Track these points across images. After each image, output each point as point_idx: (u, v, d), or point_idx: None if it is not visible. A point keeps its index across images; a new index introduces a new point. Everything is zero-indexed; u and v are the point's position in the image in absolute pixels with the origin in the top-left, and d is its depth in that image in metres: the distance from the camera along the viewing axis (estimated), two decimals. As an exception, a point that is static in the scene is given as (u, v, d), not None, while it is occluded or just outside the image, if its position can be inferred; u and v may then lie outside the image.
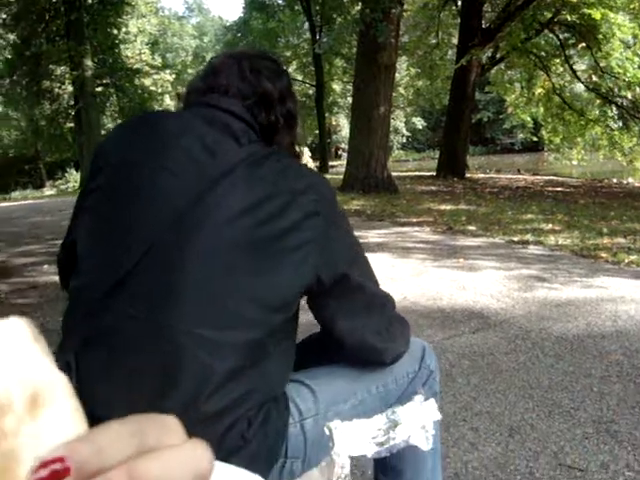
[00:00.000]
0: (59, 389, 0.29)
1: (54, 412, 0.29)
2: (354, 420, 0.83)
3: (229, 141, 1.24)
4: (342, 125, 38.54)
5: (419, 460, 1.54)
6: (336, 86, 31.56)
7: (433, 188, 13.80)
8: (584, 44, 16.42)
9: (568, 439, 2.39)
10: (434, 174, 16.91)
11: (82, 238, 1.27)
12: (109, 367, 1.11)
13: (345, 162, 14.97)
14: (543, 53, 18.13)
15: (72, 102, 23.01)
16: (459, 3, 16.89)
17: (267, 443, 1.18)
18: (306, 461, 1.25)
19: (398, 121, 42.42)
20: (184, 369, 1.08)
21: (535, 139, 26.60)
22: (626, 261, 5.31)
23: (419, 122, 45.72)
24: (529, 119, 21.73)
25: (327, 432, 0.80)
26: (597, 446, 2.32)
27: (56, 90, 23.76)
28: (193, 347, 1.09)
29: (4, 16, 20.59)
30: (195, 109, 1.33)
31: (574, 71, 17.86)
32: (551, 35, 17.89)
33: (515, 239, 6.75)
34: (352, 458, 0.84)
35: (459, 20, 17.57)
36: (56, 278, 1.40)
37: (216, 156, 1.20)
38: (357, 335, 1.31)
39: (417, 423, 0.87)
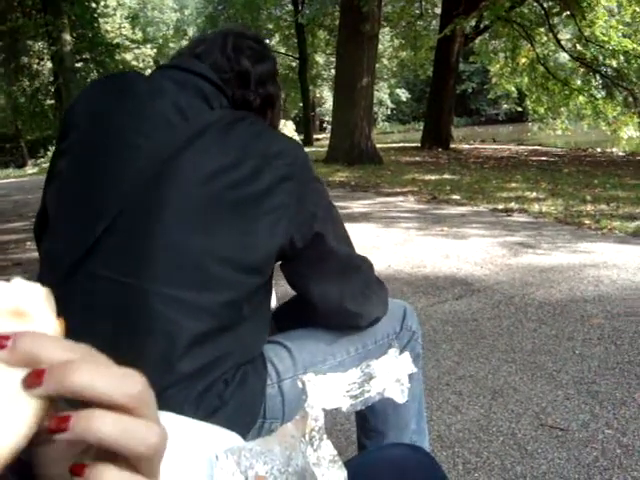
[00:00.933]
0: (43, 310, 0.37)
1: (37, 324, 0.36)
2: (328, 374, 0.83)
3: (201, 104, 1.22)
4: (326, 98, 38.29)
5: (402, 422, 1.55)
6: (319, 58, 31.32)
7: (418, 159, 13.79)
8: (568, 12, 16.33)
9: (550, 400, 2.41)
10: (419, 145, 16.89)
11: (52, 202, 1.25)
12: (82, 329, 1.10)
13: (329, 135, 14.89)
14: (527, 22, 18.02)
15: (52, 78, 22.68)
16: (442, -28, 16.71)
17: (245, 404, 1.18)
18: (284, 422, 1.25)
19: (382, 93, 42.21)
20: (155, 330, 1.07)
21: (519, 109, 26.58)
22: (609, 227, 5.34)
23: (403, 94, 45.51)
24: (513, 89, 21.68)
25: (300, 385, 0.79)
26: (578, 406, 2.34)
27: (35, 66, 23.39)
28: (164, 308, 1.07)
29: (-21, -10, 20.18)
30: (167, 71, 1.30)
31: (558, 40, 17.78)
32: (535, 4, 17.78)
33: (499, 207, 6.77)
34: (333, 418, 0.83)
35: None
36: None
37: (188, 119, 1.18)
38: (331, 300, 1.30)
39: (392, 376, 0.86)
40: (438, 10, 18.74)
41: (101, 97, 1.28)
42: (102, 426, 0.32)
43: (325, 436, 0.79)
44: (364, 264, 1.37)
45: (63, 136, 1.26)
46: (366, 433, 1.58)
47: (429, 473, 0.94)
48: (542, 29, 17.99)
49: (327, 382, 0.81)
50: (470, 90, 43.03)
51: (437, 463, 0.98)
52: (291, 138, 1.33)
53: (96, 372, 0.33)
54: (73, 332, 1.11)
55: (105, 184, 1.16)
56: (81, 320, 1.09)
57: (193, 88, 1.23)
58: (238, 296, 1.15)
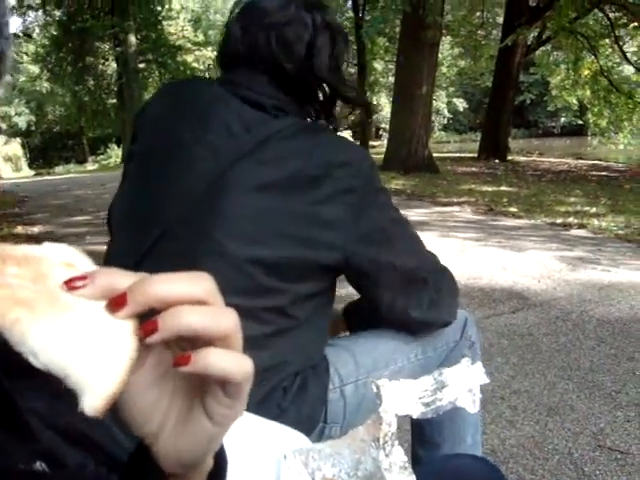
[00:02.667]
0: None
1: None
2: (401, 380, 0.83)
3: (263, 115, 1.22)
4: (383, 105, 38.17)
5: (457, 434, 1.54)
6: (378, 65, 31.20)
7: (474, 169, 13.63)
8: (635, 23, 15.93)
9: (608, 421, 2.36)
10: (475, 156, 16.67)
11: (117, 203, 1.29)
12: None
13: (386, 142, 14.83)
14: (592, 33, 17.65)
15: (115, 78, 23.26)
16: (506, -20, 16.48)
17: (304, 411, 1.19)
18: (344, 426, 1.26)
19: (440, 102, 41.87)
20: None
21: (579, 123, 26.01)
22: (673, 246, 5.19)
23: (461, 104, 45.04)
24: (574, 101, 21.23)
25: (374, 389, 0.80)
26: (639, 429, 2.28)
27: (100, 66, 24.05)
28: None
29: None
30: (230, 81, 1.29)
31: (624, 52, 17.36)
32: (601, 14, 17.39)
33: (557, 221, 6.64)
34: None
35: (505, -2, 17.18)
36: (98, 248, 1.42)
37: (250, 130, 1.19)
38: (396, 308, 1.30)
39: (464, 386, 0.87)
40: (500, 19, 18.48)
41: (166, 103, 1.32)
42: (188, 315, 0.37)
43: (397, 442, 0.80)
44: (432, 274, 1.35)
45: (133, 139, 1.30)
46: (421, 443, 1.58)
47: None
48: (607, 40, 17.59)
49: (401, 388, 0.82)
50: (528, 101, 42.31)
51: (504, 476, 0.98)
52: (357, 146, 1.34)
53: (167, 279, 0.37)
54: None
55: (163, 190, 1.20)
56: None
57: (254, 99, 1.24)
58: (287, 301, 1.16)
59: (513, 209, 7.57)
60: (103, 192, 9.99)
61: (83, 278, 0.36)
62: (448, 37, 23.71)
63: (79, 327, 0.35)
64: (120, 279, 0.37)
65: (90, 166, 29.21)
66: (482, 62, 21.85)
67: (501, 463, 2.10)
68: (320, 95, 1.33)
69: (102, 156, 32.37)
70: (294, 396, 1.17)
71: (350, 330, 1.51)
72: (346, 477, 0.85)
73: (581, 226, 6.32)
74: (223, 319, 0.38)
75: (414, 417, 0.84)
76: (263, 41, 1.24)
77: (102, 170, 22.04)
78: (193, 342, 0.38)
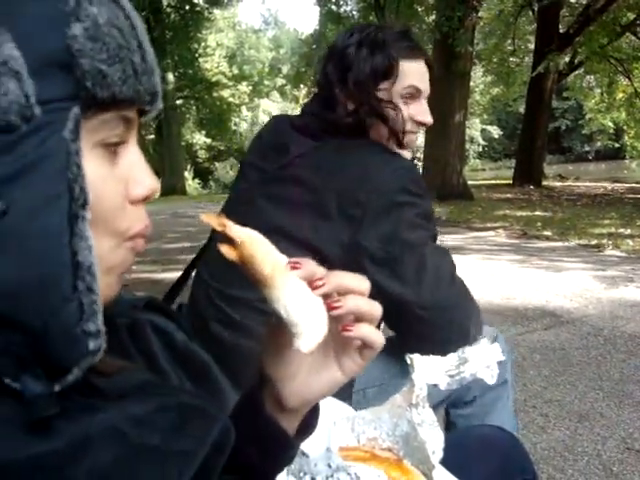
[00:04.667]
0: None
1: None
2: (430, 355, 1.01)
3: (299, 138, 1.36)
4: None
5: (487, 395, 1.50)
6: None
7: (509, 196, 13.69)
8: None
9: (637, 427, 2.47)
10: (510, 182, 16.73)
11: None
12: None
13: (420, 171, 14.99)
14: (624, 56, 17.69)
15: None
16: (535, 9, 16.64)
17: None
18: (382, 388, 1.36)
19: (474, 130, 41.89)
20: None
21: (617, 145, 25.86)
22: None
23: (495, 131, 45.01)
24: (610, 124, 21.18)
25: (408, 361, 0.97)
26: (666, 433, 2.39)
27: (139, 103, 24.73)
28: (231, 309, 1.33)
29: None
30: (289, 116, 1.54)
31: (657, 74, 17.35)
32: (633, 37, 17.43)
33: (591, 243, 6.71)
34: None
35: (536, 26, 17.33)
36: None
37: (280, 153, 1.36)
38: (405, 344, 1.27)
39: (483, 362, 1.03)
40: (531, 46, 18.61)
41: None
42: (360, 301, 0.55)
43: (427, 404, 0.98)
44: (429, 313, 1.23)
45: None
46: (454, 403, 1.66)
47: (513, 450, 1.10)
48: (640, 63, 17.61)
49: (430, 362, 0.99)
50: (564, 127, 42.11)
51: (521, 444, 1.14)
52: (388, 161, 1.31)
53: (348, 276, 0.56)
54: None
55: (228, 202, 1.45)
56: None
57: (300, 126, 1.40)
58: None
59: (547, 232, 7.65)
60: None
61: (297, 263, 0.53)
62: (482, 65, 23.94)
63: (305, 295, 0.52)
64: (318, 269, 0.54)
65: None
66: (515, 88, 21.98)
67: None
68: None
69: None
70: None
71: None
72: (386, 437, 1.02)
73: (615, 247, 6.39)
74: (376, 308, 0.57)
75: (441, 388, 1.01)
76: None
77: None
78: (355, 318, 0.56)
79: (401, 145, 1.38)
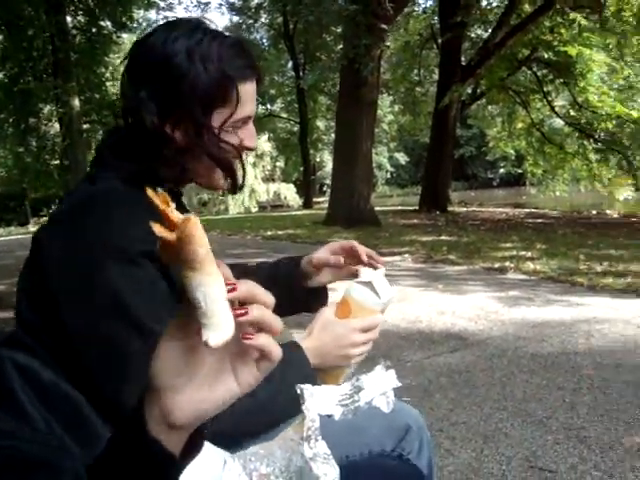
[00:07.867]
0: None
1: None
2: (323, 385, 0.95)
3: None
4: (326, 161, 38.86)
5: None
6: (320, 123, 31.95)
7: (415, 221, 14.01)
8: (561, 80, 16.88)
9: (540, 445, 2.50)
10: (417, 208, 17.14)
11: None
12: None
13: (329, 198, 15.13)
14: (522, 89, 18.61)
15: (58, 139, 23.13)
16: (439, 41, 17.31)
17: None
18: None
19: (382, 157, 42.92)
20: None
21: (519, 171, 27.02)
22: (601, 285, 5.47)
23: (402, 158, 46.29)
24: (511, 151, 22.17)
25: (298, 392, 0.91)
26: (567, 450, 2.43)
27: (43, 127, 23.89)
28: None
29: (-9, 55, 20.83)
30: None
31: (552, 107, 18.30)
32: (529, 72, 18.38)
33: (495, 266, 6.90)
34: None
35: (439, 58, 18.00)
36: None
37: None
38: None
39: (379, 389, 0.99)
40: (436, 77, 19.30)
41: None
42: (265, 312, 0.57)
43: (320, 437, 0.91)
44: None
45: None
46: None
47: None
48: (537, 95, 18.55)
49: (322, 391, 0.93)
50: (468, 154, 43.78)
51: (424, 476, 1.09)
52: (78, 212, 1.03)
53: (259, 288, 0.58)
54: None
55: None
56: None
57: None
58: None
59: (452, 257, 7.82)
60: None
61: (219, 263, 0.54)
62: (388, 94, 24.61)
63: (223, 290, 0.53)
64: (230, 274, 0.56)
65: (32, 227, 28.68)
66: (421, 118, 22.71)
67: (439, 489, 2.21)
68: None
69: (44, 217, 31.78)
70: None
71: None
72: (279, 473, 0.96)
73: (516, 269, 6.59)
74: (278, 323, 0.58)
75: (336, 418, 0.95)
76: None
77: (45, 232, 21.64)
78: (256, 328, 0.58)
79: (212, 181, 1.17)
